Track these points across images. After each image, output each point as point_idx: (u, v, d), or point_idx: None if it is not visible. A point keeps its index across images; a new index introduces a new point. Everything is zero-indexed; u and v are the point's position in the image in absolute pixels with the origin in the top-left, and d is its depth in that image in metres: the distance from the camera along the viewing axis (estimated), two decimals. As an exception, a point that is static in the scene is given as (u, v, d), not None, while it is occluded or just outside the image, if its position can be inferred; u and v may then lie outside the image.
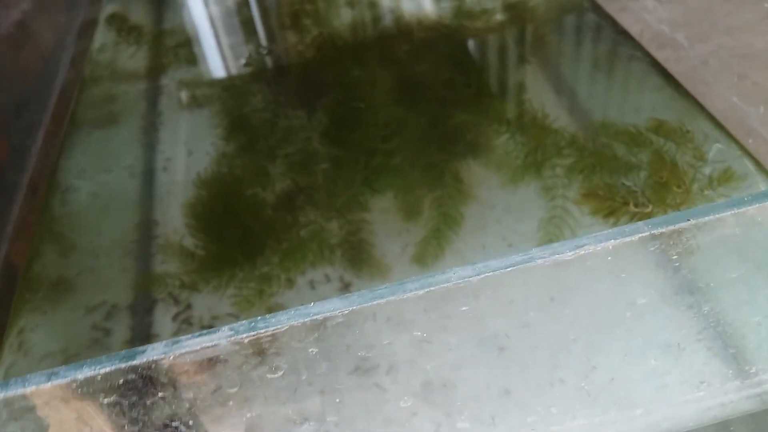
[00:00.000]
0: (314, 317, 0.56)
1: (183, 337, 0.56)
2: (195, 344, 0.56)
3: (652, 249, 0.60)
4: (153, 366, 0.68)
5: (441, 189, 1.35)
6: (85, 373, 0.52)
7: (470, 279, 0.56)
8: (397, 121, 1.49)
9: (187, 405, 0.96)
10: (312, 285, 1.24)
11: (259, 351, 1.16)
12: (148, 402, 0.82)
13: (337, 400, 1.06)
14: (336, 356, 1.07)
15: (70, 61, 1.83)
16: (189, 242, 1.29)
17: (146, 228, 1.34)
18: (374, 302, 0.57)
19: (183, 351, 0.55)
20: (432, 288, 0.55)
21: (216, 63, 1.89)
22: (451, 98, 1.55)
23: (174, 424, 0.91)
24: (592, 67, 1.62)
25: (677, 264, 0.69)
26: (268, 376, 1.08)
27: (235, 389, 1.05)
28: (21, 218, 1.18)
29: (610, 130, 1.36)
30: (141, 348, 0.54)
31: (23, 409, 0.79)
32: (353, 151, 1.43)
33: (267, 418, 1.02)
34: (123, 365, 0.53)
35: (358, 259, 1.28)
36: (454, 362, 1.05)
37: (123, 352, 0.54)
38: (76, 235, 1.33)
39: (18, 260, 1.15)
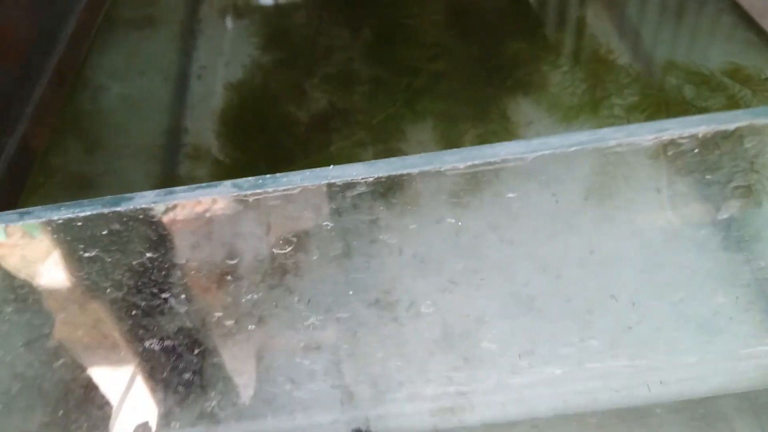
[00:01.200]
0: (332, 180, 0.48)
1: (178, 188, 0.49)
2: (191, 196, 0.49)
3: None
4: (165, 270, 0.63)
5: (485, 125, 1.26)
6: (62, 215, 0.45)
7: (523, 155, 0.48)
8: (444, 45, 1.39)
9: (198, 319, 0.92)
10: (338, 213, 1.18)
11: (279, 269, 1.12)
12: (159, 309, 0.78)
13: (354, 330, 1.02)
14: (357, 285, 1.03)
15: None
16: (217, 151, 1.24)
17: (175, 134, 1.29)
18: (404, 171, 0.49)
19: (177, 201, 0.48)
20: (474, 161, 0.47)
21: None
22: (505, 27, 1.44)
23: (181, 339, 0.88)
24: (660, 2, 1.48)
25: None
26: (285, 297, 1.04)
27: (247, 307, 1.01)
28: (44, 102, 1.13)
29: (680, 71, 1.23)
30: (128, 195, 0.47)
31: (30, 298, 0.75)
32: (396, 70, 1.35)
33: (279, 340, 0.99)
34: (107, 211, 0.46)
35: (390, 192, 1.22)
36: (480, 311, 0.99)
37: (108, 197, 0.48)
38: (103, 134, 1.29)
39: (36, 145, 1.10)
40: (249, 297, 1.02)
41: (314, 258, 1.10)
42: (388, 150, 1.24)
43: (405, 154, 1.24)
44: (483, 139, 1.24)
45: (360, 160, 1.21)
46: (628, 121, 1.13)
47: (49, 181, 1.14)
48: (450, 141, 1.26)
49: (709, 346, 0.88)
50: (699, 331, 0.88)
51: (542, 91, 1.28)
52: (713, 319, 0.91)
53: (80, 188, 1.16)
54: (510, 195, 1.18)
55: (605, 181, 1.14)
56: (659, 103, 1.14)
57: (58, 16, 1.27)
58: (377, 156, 1.23)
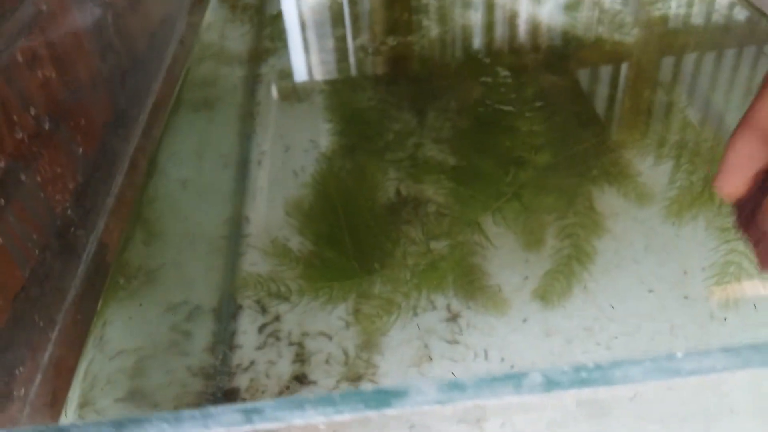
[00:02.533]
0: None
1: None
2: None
3: None
4: None
5: (570, 216, 1.17)
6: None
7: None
8: (528, 132, 1.32)
9: None
10: (414, 311, 1.08)
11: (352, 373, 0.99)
12: None
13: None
14: None
15: (179, 34, 1.72)
16: (281, 245, 1.15)
17: (236, 224, 1.21)
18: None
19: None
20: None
21: (320, 55, 1.77)
22: (590, 112, 1.37)
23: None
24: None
25: None
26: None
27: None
28: (122, 192, 1.03)
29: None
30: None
31: None
32: (488, 159, 1.27)
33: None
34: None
35: (470, 288, 1.12)
36: None
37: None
38: (161, 224, 1.22)
39: (112, 240, 1.00)
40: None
41: (389, 360, 0.99)
42: (464, 244, 1.15)
43: (483, 248, 1.15)
44: (569, 231, 1.15)
45: (436, 259, 1.12)
46: None
47: (129, 283, 1.04)
48: (531, 233, 1.17)
49: None
50: None
51: (632, 181, 1.19)
52: None
53: (143, 285, 1.07)
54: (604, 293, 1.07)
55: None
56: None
57: (135, 96, 1.19)
58: (454, 250, 1.13)
